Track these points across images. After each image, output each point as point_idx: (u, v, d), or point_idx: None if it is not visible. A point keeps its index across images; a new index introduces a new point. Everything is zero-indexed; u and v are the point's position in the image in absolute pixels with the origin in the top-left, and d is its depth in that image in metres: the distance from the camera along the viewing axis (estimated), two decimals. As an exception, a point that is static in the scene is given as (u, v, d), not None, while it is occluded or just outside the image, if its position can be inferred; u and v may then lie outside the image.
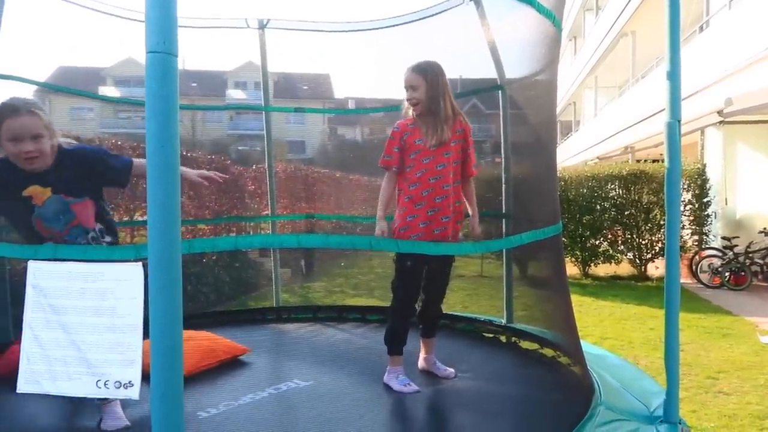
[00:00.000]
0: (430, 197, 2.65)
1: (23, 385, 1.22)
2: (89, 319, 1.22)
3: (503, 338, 3.65)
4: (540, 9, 2.23)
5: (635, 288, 8.95)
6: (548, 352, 3.25)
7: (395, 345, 2.81)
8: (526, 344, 3.47)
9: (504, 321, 3.77)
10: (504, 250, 3.83)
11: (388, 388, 2.75)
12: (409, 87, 2.72)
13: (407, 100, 2.74)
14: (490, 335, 3.73)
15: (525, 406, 2.63)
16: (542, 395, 2.73)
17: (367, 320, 4.27)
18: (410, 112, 2.76)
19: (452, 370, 2.95)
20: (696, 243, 9.64)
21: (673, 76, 2.24)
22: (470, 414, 2.58)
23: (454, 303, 6.83)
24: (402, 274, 2.72)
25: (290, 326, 4.24)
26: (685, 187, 9.44)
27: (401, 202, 2.74)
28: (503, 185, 3.73)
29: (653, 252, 9.63)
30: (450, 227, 2.69)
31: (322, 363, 3.29)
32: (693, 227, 9.64)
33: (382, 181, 2.77)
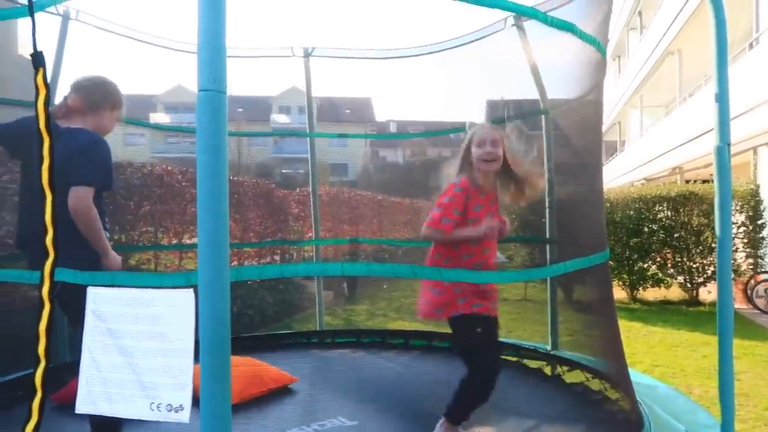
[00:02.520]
0: (489, 265, 2.50)
1: (81, 406, 1.28)
2: (143, 344, 1.27)
3: (548, 369, 3.58)
4: (582, 36, 2.22)
5: (686, 313, 8.64)
6: (594, 383, 3.16)
7: (468, 414, 2.54)
8: (571, 376, 3.38)
9: (549, 348, 3.70)
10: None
11: None
12: (491, 142, 2.48)
13: (488, 154, 2.47)
14: (535, 365, 3.66)
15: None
16: (587, 430, 2.66)
17: (411, 346, 4.26)
18: (474, 168, 2.53)
19: None
20: (751, 266, 9.27)
21: (722, 98, 2.19)
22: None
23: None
24: (481, 339, 2.46)
25: (335, 353, 4.24)
26: (738, 208, 9.11)
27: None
28: (547, 209, 3.69)
29: (705, 276, 9.29)
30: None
31: (367, 400, 3.23)
32: (747, 250, 9.27)
33: (431, 234, 2.45)
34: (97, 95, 2.40)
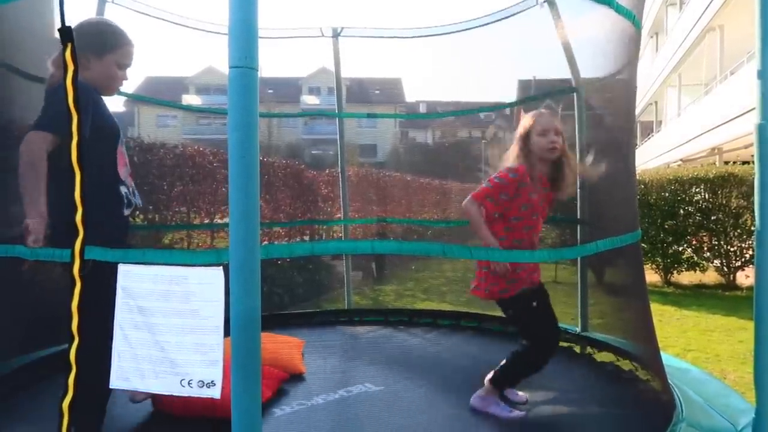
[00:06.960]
0: (529, 243, 2.63)
1: (114, 381, 1.32)
2: (174, 321, 1.29)
3: (577, 349, 3.55)
4: (618, 9, 2.16)
5: (723, 297, 8.44)
6: (625, 364, 3.13)
7: (514, 382, 2.70)
8: (601, 355, 3.36)
9: (578, 330, 3.66)
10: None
11: (485, 414, 2.60)
12: (554, 131, 2.55)
13: (553, 143, 2.53)
14: (564, 345, 3.63)
15: (600, 423, 2.54)
16: (618, 410, 2.64)
17: (438, 325, 4.27)
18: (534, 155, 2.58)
19: (525, 394, 2.77)
20: (791, 250, 8.99)
21: (764, 74, 2.10)
22: (542, 428, 2.52)
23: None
24: (533, 312, 2.67)
25: (362, 329, 4.31)
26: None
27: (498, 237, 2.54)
28: (578, 190, 3.62)
29: (743, 260, 9.06)
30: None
31: (394, 369, 3.31)
32: (788, 233, 8.99)
33: (470, 209, 2.51)
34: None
